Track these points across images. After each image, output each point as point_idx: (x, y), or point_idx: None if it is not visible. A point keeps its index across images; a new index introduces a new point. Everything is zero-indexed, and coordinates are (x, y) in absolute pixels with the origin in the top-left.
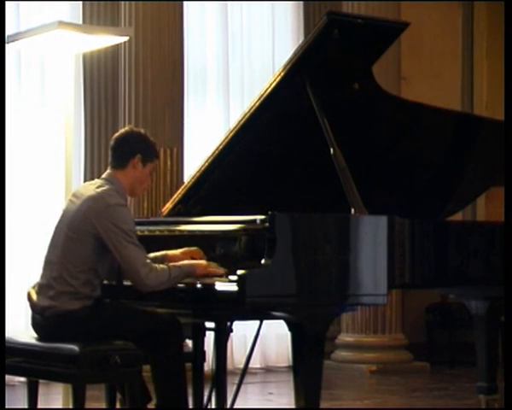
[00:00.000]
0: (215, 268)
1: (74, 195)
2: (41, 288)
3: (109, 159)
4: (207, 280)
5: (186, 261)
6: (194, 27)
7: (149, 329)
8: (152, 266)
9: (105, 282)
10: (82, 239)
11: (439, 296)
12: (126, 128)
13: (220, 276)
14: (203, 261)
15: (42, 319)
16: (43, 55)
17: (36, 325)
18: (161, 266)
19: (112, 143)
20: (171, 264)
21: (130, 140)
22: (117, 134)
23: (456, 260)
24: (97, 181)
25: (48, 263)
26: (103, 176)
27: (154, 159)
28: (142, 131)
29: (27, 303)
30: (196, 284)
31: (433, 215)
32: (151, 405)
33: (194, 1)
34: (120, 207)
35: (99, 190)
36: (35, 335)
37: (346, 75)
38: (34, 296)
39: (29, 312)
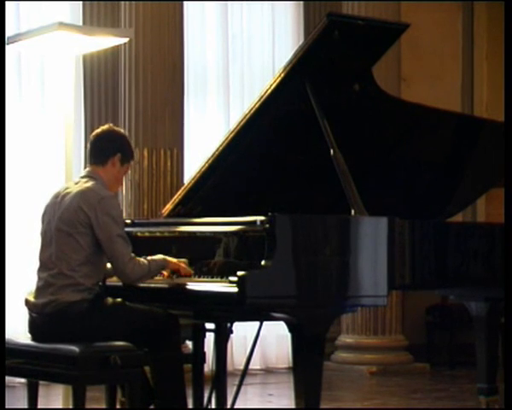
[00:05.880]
0: (185, 265)
1: (56, 195)
2: (39, 290)
3: (88, 155)
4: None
5: (160, 256)
6: (195, 28)
7: (147, 326)
8: (136, 260)
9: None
10: (78, 232)
11: (440, 298)
12: (107, 126)
13: (189, 275)
14: (173, 259)
15: (40, 317)
16: (43, 57)
17: (33, 325)
18: (142, 260)
19: (92, 139)
20: (149, 258)
21: (111, 138)
22: (98, 131)
23: (456, 262)
24: (79, 179)
25: (43, 265)
26: (84, 173)
27: (131, 160)
28: (123, 131)
29: (25, 309)
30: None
31: (433, 216)
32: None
33: (194, 1)
34: (112, 198)
35: (87, 184)
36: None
37: (346, 76)
38: (32, 299)
39: (27, 317)
